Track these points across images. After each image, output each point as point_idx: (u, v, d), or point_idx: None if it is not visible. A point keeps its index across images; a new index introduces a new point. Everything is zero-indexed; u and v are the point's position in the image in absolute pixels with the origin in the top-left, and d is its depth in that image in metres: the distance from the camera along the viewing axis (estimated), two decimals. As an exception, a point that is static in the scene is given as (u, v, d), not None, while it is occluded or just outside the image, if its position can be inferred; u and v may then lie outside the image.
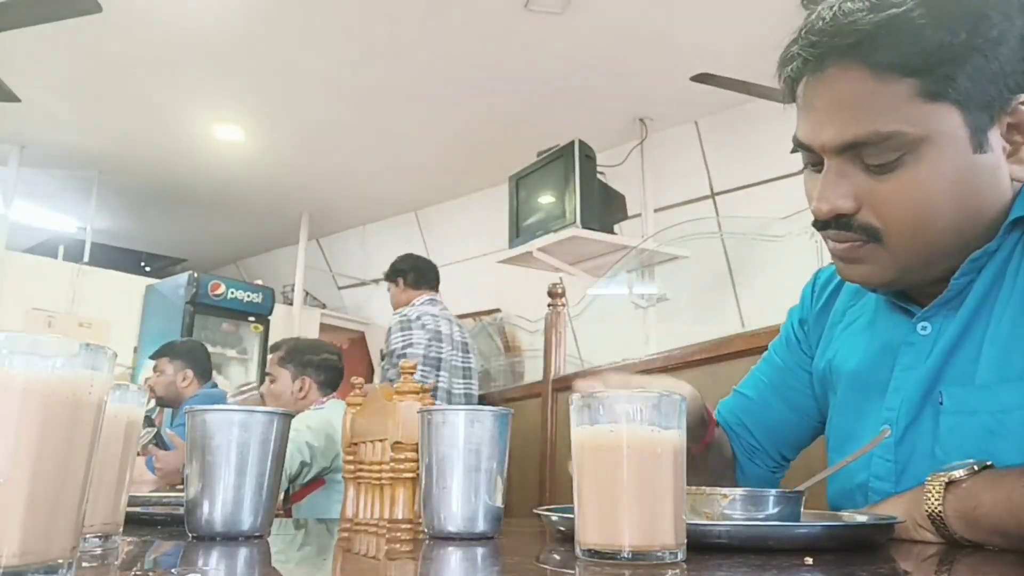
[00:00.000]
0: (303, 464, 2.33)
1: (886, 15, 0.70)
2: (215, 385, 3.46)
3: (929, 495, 0.69)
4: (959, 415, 0.75)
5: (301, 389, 2.64)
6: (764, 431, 1.03)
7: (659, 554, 0.55)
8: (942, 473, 0.70)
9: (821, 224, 0.78)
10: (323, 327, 6.81)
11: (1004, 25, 0.71)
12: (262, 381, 2.75)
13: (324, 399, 2.65)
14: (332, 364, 2.72)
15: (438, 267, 3.60)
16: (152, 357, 3.39)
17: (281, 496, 2.36)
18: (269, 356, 2.78)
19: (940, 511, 0.68)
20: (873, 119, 0.71)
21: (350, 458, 1.42)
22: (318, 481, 2.44)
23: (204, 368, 3.35)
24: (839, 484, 0.88)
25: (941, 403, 0.77)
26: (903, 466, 0.80)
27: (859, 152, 0.73)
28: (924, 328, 0.81)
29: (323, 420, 2.42)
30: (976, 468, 0.69)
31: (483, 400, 3.34)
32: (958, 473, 0.69)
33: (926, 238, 0.74)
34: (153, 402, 3.29)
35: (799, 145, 0.79)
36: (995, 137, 0.73)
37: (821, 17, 0.74)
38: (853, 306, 0.94)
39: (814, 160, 0.78)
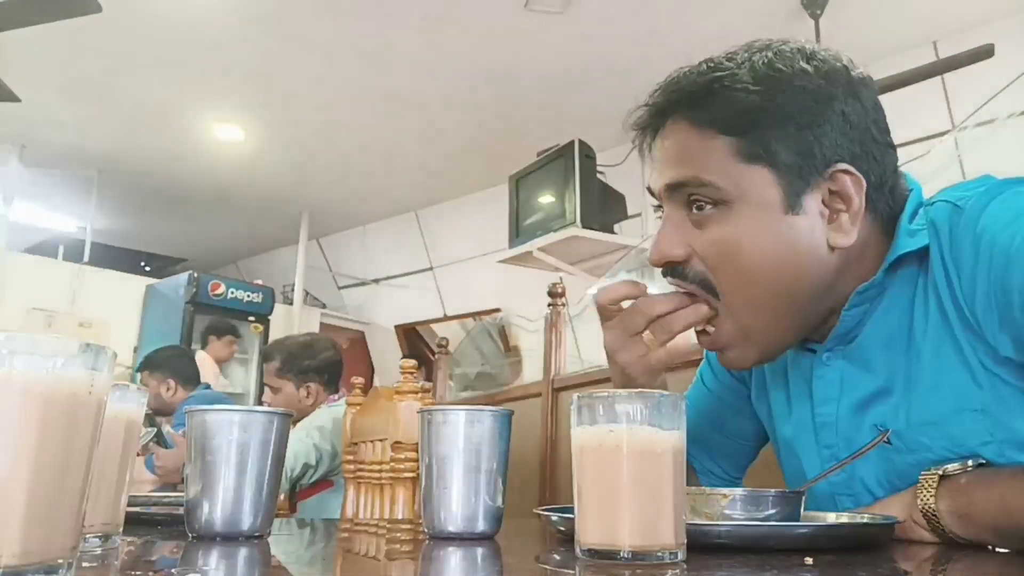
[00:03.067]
0: (307, 466, 2.30)
1: (711, 76, 0.77)
2: (209, 386, 3.44)
3: (922, 489, 0.69)
4: (914, 453, 0.75)
5: (308, 395, 2.57)
6: (708, 457, 1.04)
7: (659, 554, 0.55)
8: (937, 469, 0.70)
9: (663, 274, 0.82)
10: (323, 327, 6.80)
11: (823, 100, 0.75)
12: (262, 385, 2.70)
13: (336, 396, 2.61)
14: (332, 361, 2.64)
15: (438, 267, 3.66)
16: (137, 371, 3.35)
17: (283, 496, 2.34)
18: (265, 366, 2.68)
19: (933, 506, 0.68)
20: (695, 166, 0.77)
21: (350, 458, 1.42)
22: (326, 482, 2.42)
23: (187, 373, 3.30)
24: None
25: (888, 443, 0.77)
26: (858, 498, 0.81)
27: (685, 197, 0.78)
28: (828, 359, 0.82)
29: (336, 420, 2.38)
30: (971, 465, 0.69)
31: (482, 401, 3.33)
32: (952, 467, 0.69)
33: (753, 293, 0.76)
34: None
35: (649, 193, 0.84)
36: (812, 201, 0.75)
37: (668, 78, 0.80)
38: None
39: (659, 208, 0.83)
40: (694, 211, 0.77)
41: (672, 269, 0.80)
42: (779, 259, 0.75)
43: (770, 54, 0.77)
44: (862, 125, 0.76)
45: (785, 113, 0.74)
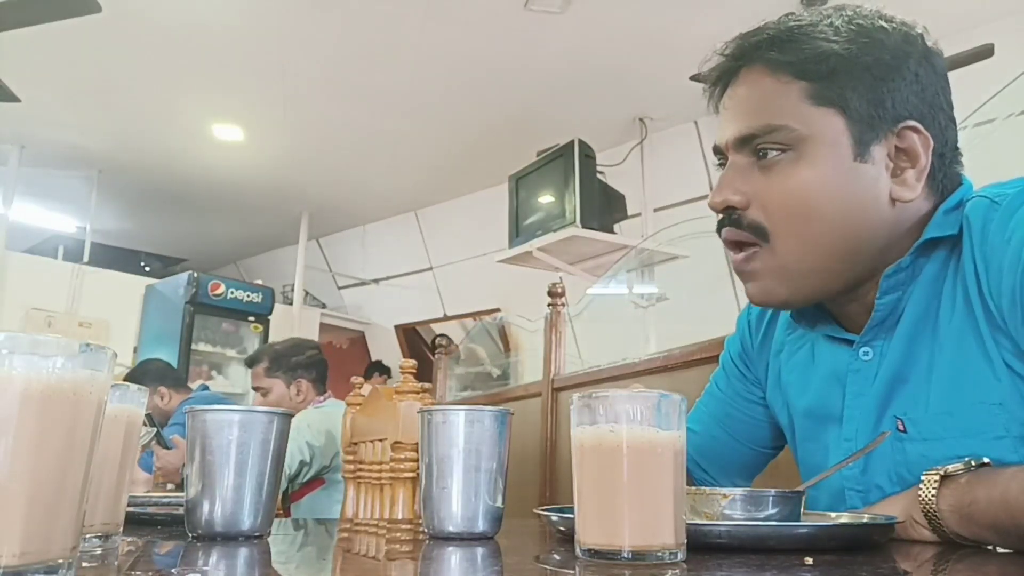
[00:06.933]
0: (302, 464, 2.32)
1: (793, 24, 0.81)
2: (207, 387, 3.43)
3: (924, 488, 0.70)
4: (926, 442, 0.76)
5: (299, 393, 2.61)
6: (714, 464, 1.03)
7: (659, 554, 0.55)
8: (939, 468, 0.70)
9: (719, 224, 0.83)
10: (323, 327, 6.81)
11: (899, 56, 0.78)
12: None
13: (322, 397, 2.64)
14: (319, 359, 2.69)
15: (438, 267, 3.69)
16: None
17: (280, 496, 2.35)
18: (251, 371, 2.70)
19: (934, 504, 0.68)
20: (767, 113, 0.79)
21: (350, 458, 1.42)
22: (317, 481, 2.43)
23: (175, 377, 3.29)
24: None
25: (904, 431, 0.78)
26: (867, 494, 0.81)
27: (754, 147, 0.80)
28: (866, 354, 0.82)
29: (324, 418, 2.41)
30: (973, 464, 0.69)
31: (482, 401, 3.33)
32: (953, 467, 0.69)
33: (808, 238, 0.78)
34: None
35: (714, 151, 0.85)
36: (879, 152, 0.78)
37: (742, 33, 0.84)
38: (791, 335, 0.95)
39: (723, 163, 0.84)
40: (762, 159, 0.79)
41: (728, 215, 0.81)
42: (842, 203, 0.77)
43: (850, 12, 0.80)
44: (932, 89, 0.79)
45: (862, 64, 0.77)
